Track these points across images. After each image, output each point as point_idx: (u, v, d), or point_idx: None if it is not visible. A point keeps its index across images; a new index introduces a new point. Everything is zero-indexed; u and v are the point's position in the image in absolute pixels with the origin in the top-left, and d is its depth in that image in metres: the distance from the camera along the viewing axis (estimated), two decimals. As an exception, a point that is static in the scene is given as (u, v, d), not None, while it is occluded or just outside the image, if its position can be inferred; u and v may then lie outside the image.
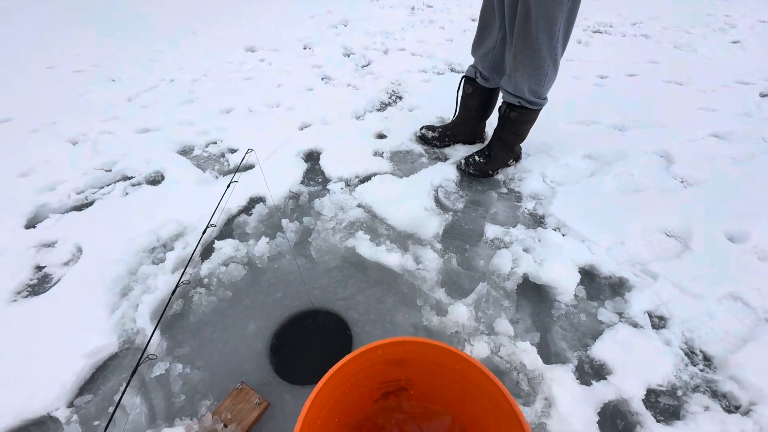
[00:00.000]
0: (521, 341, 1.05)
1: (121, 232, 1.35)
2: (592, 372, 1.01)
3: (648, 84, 2.53)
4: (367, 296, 1.19)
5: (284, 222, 1.41)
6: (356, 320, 1.14)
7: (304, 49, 3.09)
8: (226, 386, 0.97)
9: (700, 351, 1.06)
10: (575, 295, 1.19)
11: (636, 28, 3.63)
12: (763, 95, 2.41)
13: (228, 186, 1.11)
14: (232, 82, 2.52)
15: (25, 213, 1.44)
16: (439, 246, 1.34)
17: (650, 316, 1.14)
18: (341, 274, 1.26)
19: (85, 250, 1.30)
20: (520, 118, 1.52)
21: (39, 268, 1.26)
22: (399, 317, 1.14)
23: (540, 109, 1.52)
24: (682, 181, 1.67)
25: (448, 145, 1.87)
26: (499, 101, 1.61)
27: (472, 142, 1.87)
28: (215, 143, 1.90)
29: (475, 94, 1.67)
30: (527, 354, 1.01)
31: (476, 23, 1.54)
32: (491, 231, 1.40)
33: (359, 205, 1.50)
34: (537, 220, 1.47)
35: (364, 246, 1.30)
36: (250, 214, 1.46)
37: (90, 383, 0.97)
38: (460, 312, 1.11)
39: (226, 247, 1.29)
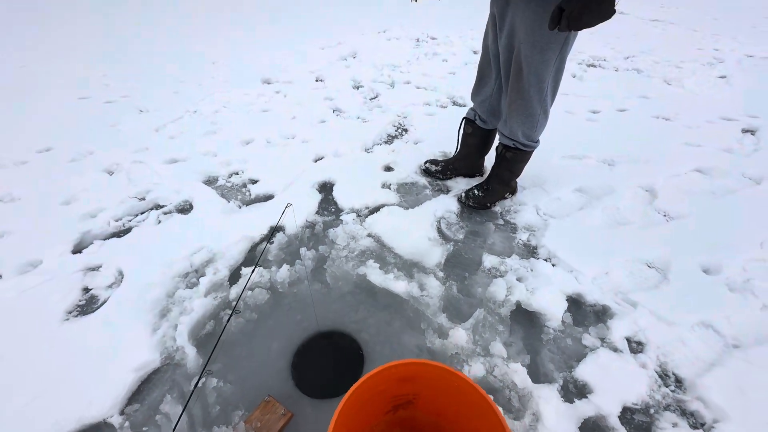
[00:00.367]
0: (513, 362, 1.19)
1: (158, 258, 1.51)
2: (575, 391, 1.14)
3: (638, 119, 2.71)
4: (377, 319, 1.34)
5: (302, 250, 1.57)
6: (367, 341, 1.28)
7: (316, 81, 3.32)
8: (255, 398, 1.11)
9: (673, 374, 1.19)
10: (562, 321, 1.33)
11: (629, 62, 3.85)
12: (745, 131, 2.58)
13: (284, 209, 1.28)
14: (250, 114, 2.73)
15: (72, 239, 1.61)
16: (441, 274, 1.49)
17: (629, 341, 1.28)
18: (354, 299, 1.41)
19: (126, 274, 1.47)
20: (514, 157, 1.69)
21: (86, 290, 1.43)
22: (405, 339, 1.28)
23: (533, 150, 1.69)
24: (664, 215, 1.82)
25: (450, 178, 2.04)
26: (496, 141, 1.79)
27: (471, 176, 2.04)
28: (237, 174, 2.09)
29: (475, 134, 1.85)
30: (518, 374, 1.15)
31: (477, 55, 1.72)
32: (488, 261, 1.55)
33: (369, 235, 1.67)
34: (530, 251, 1.63)
35: (374, 274, 1.46)
36: (271, 243, 1.62)
37: (137, 394, 1.12)
38: (460, 335, 1.25)
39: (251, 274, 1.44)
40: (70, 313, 1.34)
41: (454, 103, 2.92)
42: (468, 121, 1.84)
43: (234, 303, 1.17)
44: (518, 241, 1.67)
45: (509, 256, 1.58)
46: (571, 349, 1.25)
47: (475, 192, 1.81)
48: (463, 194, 1.84)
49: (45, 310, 1.32)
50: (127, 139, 2.38)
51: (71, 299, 1.37)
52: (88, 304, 1.38)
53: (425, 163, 2.07)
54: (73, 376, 1.14)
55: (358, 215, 1.79)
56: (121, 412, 1.07)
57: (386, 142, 2.42)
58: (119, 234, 1.68)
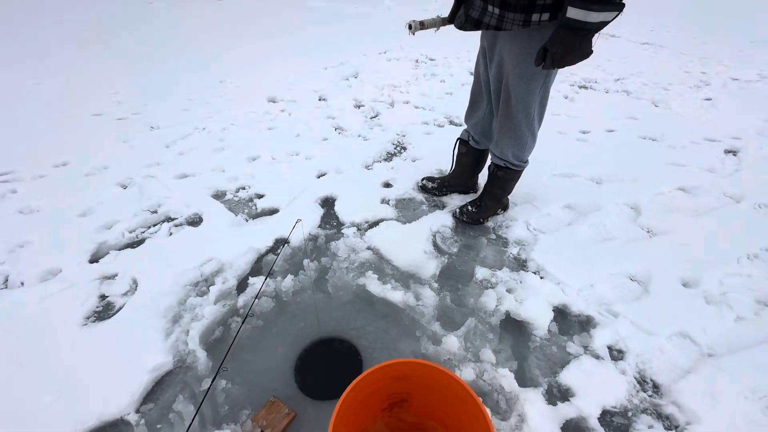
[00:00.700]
0: (502, 368, 1.27)
1: (170, 268, 1.61)
2: (559, 395, 1.23)
3: (625, 139, 2.84)
4: (375, 327, 1.43)
5: (305, 262, 1.67)
6: (366, 347, 1.37)
7: (320, 100, 3.47)
8: (261, 399, 1.19)
9: (650, 380, 1.28)
10: (549, 330, 1.42)
11: (618, 84, 4.02)
12: (727, 152, 2.71)
13: (294, 225, 1.40)
14: (256, 131, 2.86)
15: (89, 249, 1.71)
16: (436, 285, 1.59)
17: (610, 349, 1.36)
18: (353, 308, 1.51)
19: (140, 282, 1.56)
20: (506, 176, 1.81)
21: (103, 297, 1.52)
22: (401, 345, 1.37)
23: (523, 169, 1.81)
24: (648, 231, 1.93)
25: (446, 195, 2.15)
26: (489, 160, 1.91)
27: (466, 192, 2.16)
28: (244, 188, 2.20)
29: (468, 154, 1.97)
30: (506, 378, 1.24)
31: (472, 77, 1.83)
32: (480, 273, 1.65)
33: (369, 248, 1.77)
34: (520, 264, 1.73)
35: (373, 284, 1.56)
36: (277, 254, 1.72)
37: (151, 394, 1.20)
38: (452, 342, 1.34)
39: (258, 283, 1.54)
40: (88, 318, 1.43)
41: (451, 123, 3.06)
42: (462, 141, 1.96)
43: (246, 311, 1.27)
44: (509, 255, 1.77)
45: (500, 269, 1.68)
46: (556, 356, 1.34)
47: (469, 208, 1.92)
48: (458, 210, 1.95)
49: (65, 315, 1.42)
50: (139, 155, 2.50)
51: (89, 306, 1.47)
52: (105, 311, 1.47)
53: (422, 180, 2.19)
54: (92, 377, 1.22)
55: (359, 229, 1.89)
56: (137, 411, 1.15)
57: (386, 160, 2.54)
58: (133, 245, 1.78)
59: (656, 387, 1.26)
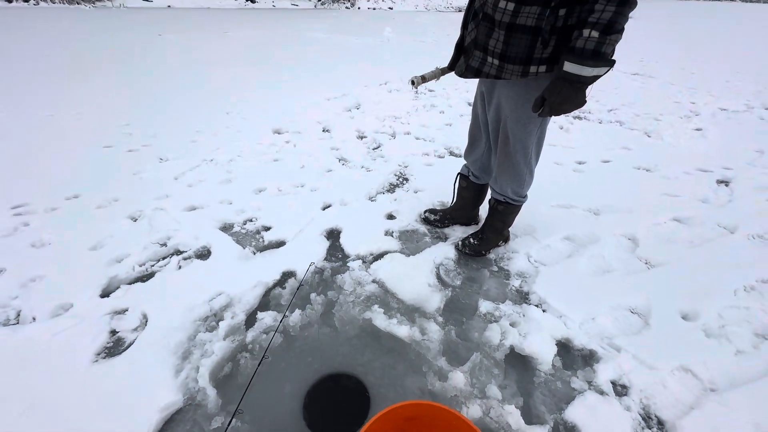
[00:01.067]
0: (508, 404, 1.29)
1: (179, 302, 1.64)
2: (565, 432, 1.24)
3: (620, 170, 2.94)
4: (382, 363, 1.45)
5: (312, 295, 1.71)
6: (373, 383, 1.39)
7: (323, 131, 3.59)
8: (270, 438, 1.20)
9: (655, 416, 1.29)
10: (553, 365, 1.44)
11: (611, 115, 4.17)
12: (719, 182, 2.80)
13: (308, 268, 1.43)
14: (262, 163, 2.95)
15: (100, 284, 1.74)
16: (440, 319, 1.62)
17: (614, 384, 1.38)
18: (360, 343, 1.53)
19: (150, 317, 1.59)
20: (506, 210, 1.88)
21: (113, 332, 1.54)
22: (408, 382, 1.39)
23: (522, 204, 1.88)
24: (646, 263, 1.97)
25: (448, 226, 2.21)
26: (489, 195, 1.98)
27: (467, 224, 2.22)
28: (251, 221, 2.26)
29: (469, 188, 2.04)
30: (512, 416, 1.25)
31: (470, 107, 1.94)
32: (484, 306, 1.68)
33: (374, 281, 1.81)
34: (522, 297, 1.76)
35: (379, 318, 1.59)
36: (284, 288, 1.76)
37: (161, 433, 1.22)
38: (458, 378, 1.36)
39: (266, 318, 1.57)
40: (98, 355, 1.45)
41: (451, 154, 3.16)
42: (462, 176, 2.04)
43: (262, 353, 1.31)
44: (511, 287, 1.81)
45: (503, 302, 1.71)
46: (560, 392, 1.36)
47: (471, 240, 1.97)
48: (460, 242, 2.00)
49: (76, 352, 1.44)
50: (148, 187, 2.57)
51: (100, 342, 1.49)
52: (116, 346, 1.49)
53: (425, 212, 2.25)
54: (103, 415, 1.23)
55: (364, 261, 1.94)
56: (148, 451, 1.16)
57: (388, 191, 2.61)
58: (143, 279, 1.81)
59: (661, 423, 1.27)
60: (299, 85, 4.99)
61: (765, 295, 1.75)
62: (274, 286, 1.79)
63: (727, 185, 2.75)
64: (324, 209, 2.37)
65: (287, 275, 1.85)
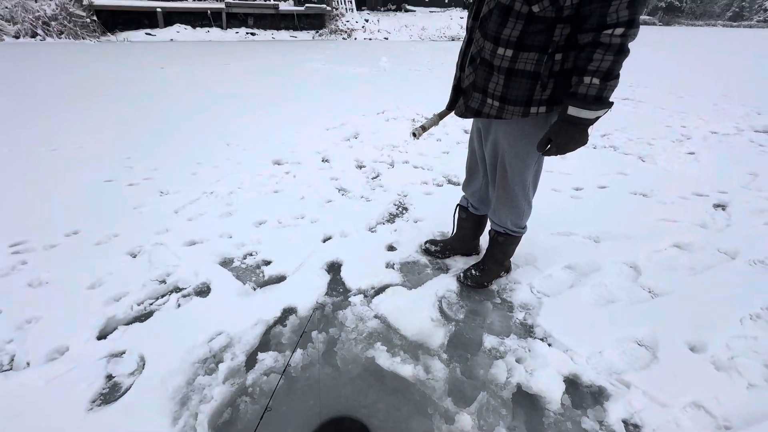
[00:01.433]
0: (517, 448, 1.25)
1: (178, 343, 1.61)
2: (578, 478, 1.19)
3: (617, 195, 2.96)
4: (386, 404, 1.41)
5: (313, 333, 1.68)
6: (377, 427, 1.35)
7: (323, 161, 3.63)
8: (271, 492, 1.15)
9: (670, 457, 1.25)
10: (561, 403, 1.40)
11: (605, 140, 4.25)
12: (716, 206, 2.82)
13: (312, 314, 1.41)
14: (263, 195, 2.96)
15: (97, 325, 1.71)
16: (445, 356, 1.59)
17: (626, 424, 1.34)
18: (363, 383, 1.49)
19: (147, 360, 1.55)
20: (506, 241, 1.88)
21: (110, 377, 1.50)
22: (414, 425, 1.35)
23: (522, 234, 1.88)
24: (649, 292, 1.96)
25: (449, 257, 2.21)
26: (489, 226, 1.99)
27: (468, 255, 2.21)
28: (251, 255, 2.25)
29: (469, 219, 2.05)
30: (523, 461, 1.21)
31: (467, 135, 1.97)
32: (488, 341, 1.65)
33: (376, 316, 1.78)
34: (527, 330, 1.74)
35: (382, 357, 1.56)
36: (285, 325, 1.73)
37: (157, 489, 1.16)
38: (465, 420, 1.32)
39: (267, 359, 1.54)
40: (94, 402, 1.40)
41: (449, 182, 3.19)
42: (462, 208, 2.06)
43: (267, 402, 1.28)
44: (515, 320, 1.79)
45: (507, 336, 1.69)
46: (571, 433, 1.32)
47: (473, 272, 1.97)
48: (462, 274, 1.99)
49: (71, 399, 1.39)
50: (148, 221, 2.57)
51: (95, 387, 1.45)
52: (111, 392, 1.45)
53: (425, 243, 2.25)
54: (97, 470, 1.18)
55: (365, 296, 1.92)
56: None
57: (388, 221, 2.62)
58: (141, 318, 1.78)
59: (677, 466, 1.23)
60: (299, 115, 5.09)
61: (772, 324, 1.73)
62: (275, 323, 1.76)
63: (724, 209, 2.77)
64: (324, 241, 2.37)
65: (288, 312, 1.82)
